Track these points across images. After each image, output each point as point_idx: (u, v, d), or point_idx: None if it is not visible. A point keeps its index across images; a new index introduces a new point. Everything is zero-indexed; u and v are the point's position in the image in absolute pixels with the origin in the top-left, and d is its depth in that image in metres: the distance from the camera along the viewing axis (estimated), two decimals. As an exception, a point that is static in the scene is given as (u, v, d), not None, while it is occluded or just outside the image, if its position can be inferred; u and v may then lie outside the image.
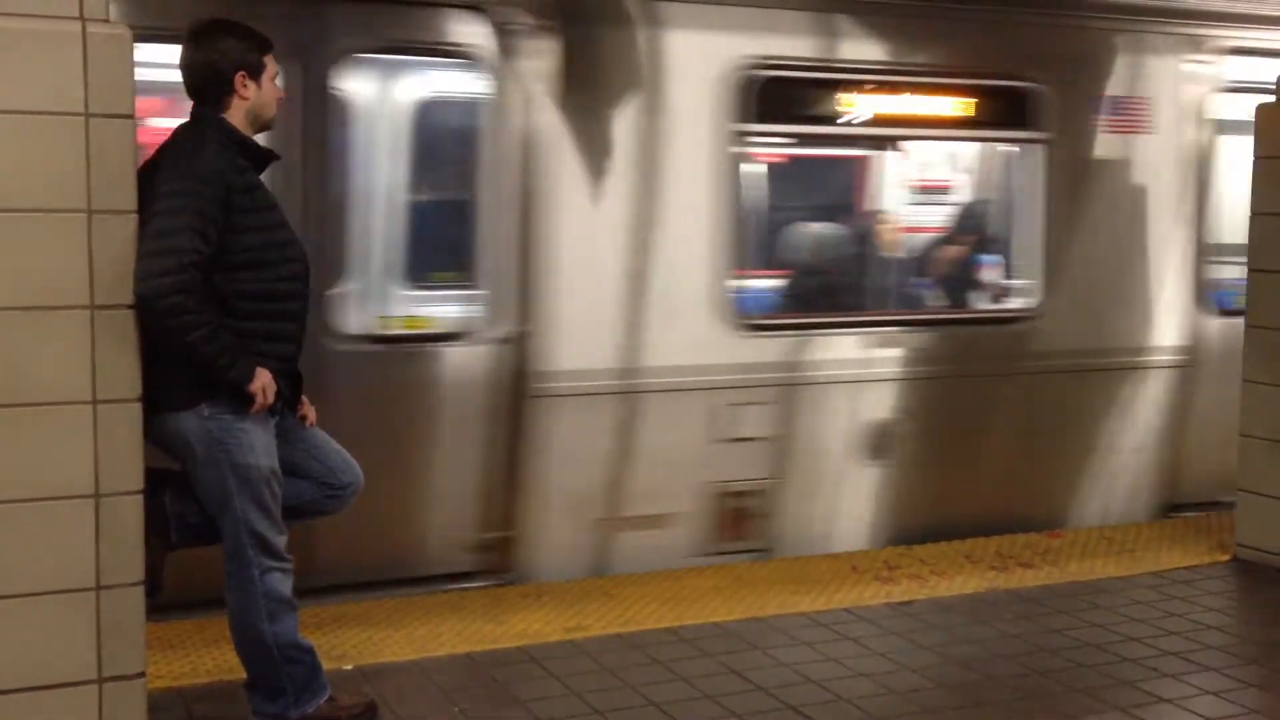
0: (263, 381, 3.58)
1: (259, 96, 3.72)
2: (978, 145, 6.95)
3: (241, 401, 3.58)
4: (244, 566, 3.68)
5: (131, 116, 3.34)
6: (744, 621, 4.82)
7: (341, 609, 4.83)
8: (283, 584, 3.73)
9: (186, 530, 3.74)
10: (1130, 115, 6.26)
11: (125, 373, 3.40)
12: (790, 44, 5.63)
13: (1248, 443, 5.65)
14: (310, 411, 3.90)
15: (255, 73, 3.71)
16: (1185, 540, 5.94)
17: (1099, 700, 4.16)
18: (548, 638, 4.62)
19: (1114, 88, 6.21)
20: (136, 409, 3.44)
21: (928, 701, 4.13)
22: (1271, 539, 5.51)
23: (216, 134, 3.64)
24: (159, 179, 3.50)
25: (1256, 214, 5.61)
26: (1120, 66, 6.22)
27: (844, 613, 4.94)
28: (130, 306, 3.39)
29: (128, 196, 3.37)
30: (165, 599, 3.81)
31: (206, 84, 3.68)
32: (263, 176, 3.76)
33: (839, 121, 6.00)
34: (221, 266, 3.54)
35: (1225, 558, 5.67)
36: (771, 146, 6.50)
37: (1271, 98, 5.61)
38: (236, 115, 3.69)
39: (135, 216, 3.39)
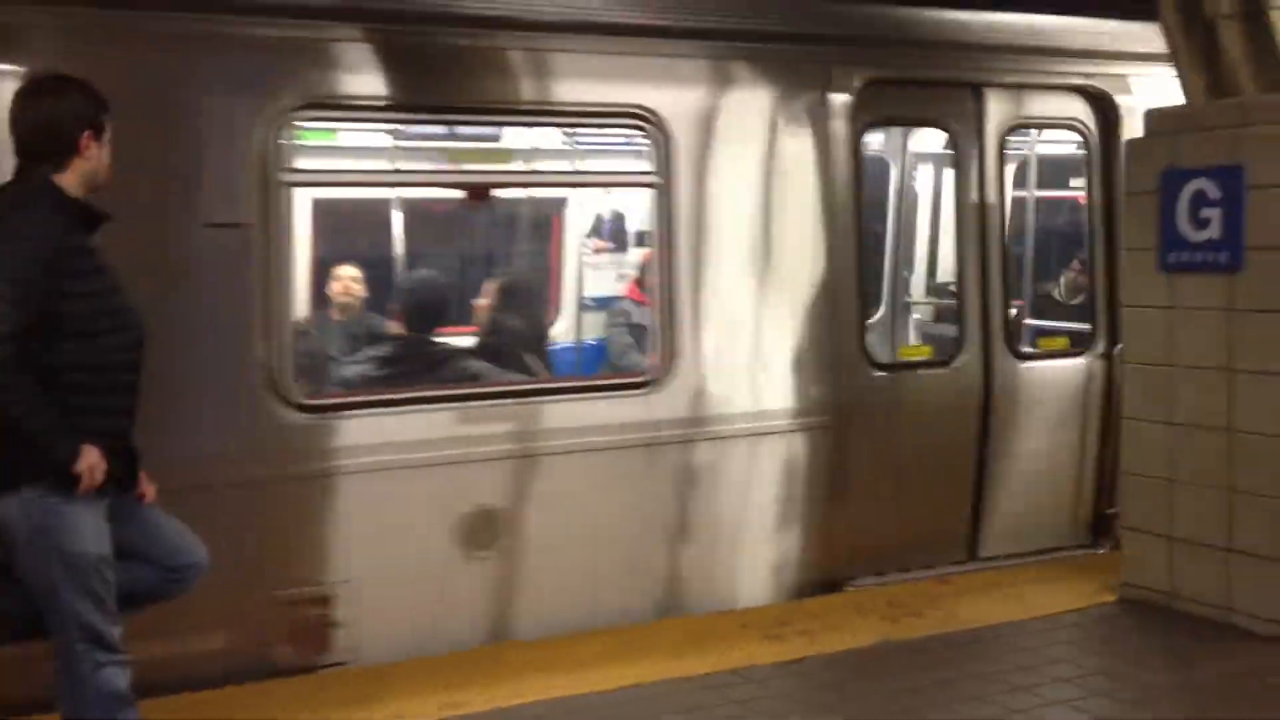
0: (90, 460, 3.33)
1: (100, 158, 3.51)
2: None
3: (67, 483, 3.31)
4: (76, 662, 3.42)
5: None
6: (628, 689, 4.63)
7: (197, 697, 4.51)
8: (119, 679, 3.49)
9: (8, 624, 3.46)
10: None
11: (-69, 457, 3.11)
12: None
13: (1130, 480, 5.66)
14: (149, 489, 3.65)
15: (100, 133, 3.49)
16: (1071, 580, 5.91)
17: (989, 756, 4.05)
18: (423, 717, 4.36)
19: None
20: (-55, 496, 3.15)
21: (815, 767, 3.98)
22: (1154, 577, 5.51)
23: (47, 195, 3.40)
24: (-26, 245, 3.24)
25: (1127, 249, 5.67)
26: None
27: (731, 674, 4.78)
28: (-63, 384, 3.11)
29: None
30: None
31: (48, 141, 3.44)
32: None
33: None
34: (46, 335, 3.29)
35: (1112, 598, 5.65)
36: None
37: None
38: (73, 177, 3.46)
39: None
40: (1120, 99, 6.39)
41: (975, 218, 6.18)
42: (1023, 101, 6.31)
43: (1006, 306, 6.28)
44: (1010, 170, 6.78)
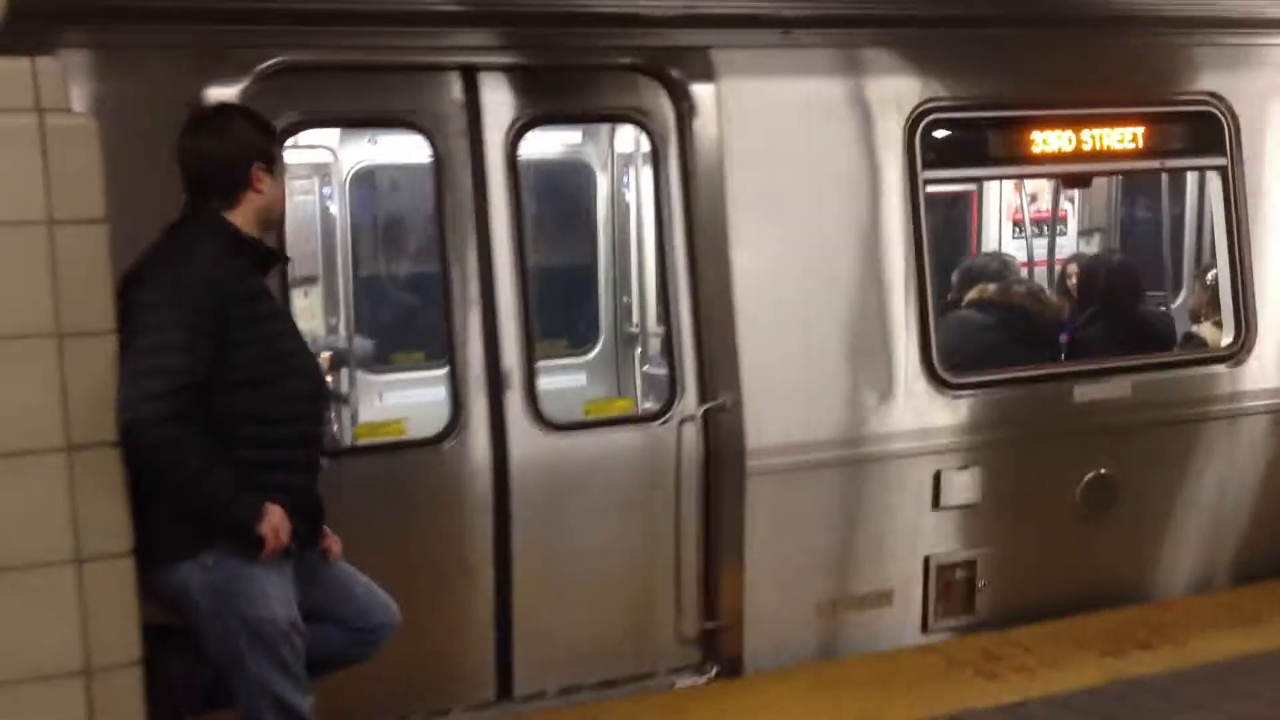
0: (273, 521, 3.06)
1: (273, 192, 3.25)
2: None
3: (250, 545, 3.05)
4: (265, 733, 3.15)
5: (102, 220, 2.85)
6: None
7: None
8: (310, 751, 3.19)
9: (196, 696, 3.24)
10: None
11: (112, 523, 2.93)
12: None
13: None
14: (335, 544, 3.39)
15: (271, 165, 3.25)
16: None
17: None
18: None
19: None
20: (128, 565, 2.94)
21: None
22: None
23: (215, 234, 3.15)
24: (143, 289, 3.00)
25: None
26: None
27: (949, 720, 4.36)
28: (114, 443, 2.88)
29: (103, 314, 2.89)
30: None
31: (217, 176, 3.20)
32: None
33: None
34: (219, 387, 3.03)
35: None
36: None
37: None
38: (245, 213, 3.21)
39: (114, 336, 2.88)
40: (695, 86, 4.57)
41: (471, 245, 4.42)
42: (547, 89, 4.55)
43: (530, 361, 4.48)
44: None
